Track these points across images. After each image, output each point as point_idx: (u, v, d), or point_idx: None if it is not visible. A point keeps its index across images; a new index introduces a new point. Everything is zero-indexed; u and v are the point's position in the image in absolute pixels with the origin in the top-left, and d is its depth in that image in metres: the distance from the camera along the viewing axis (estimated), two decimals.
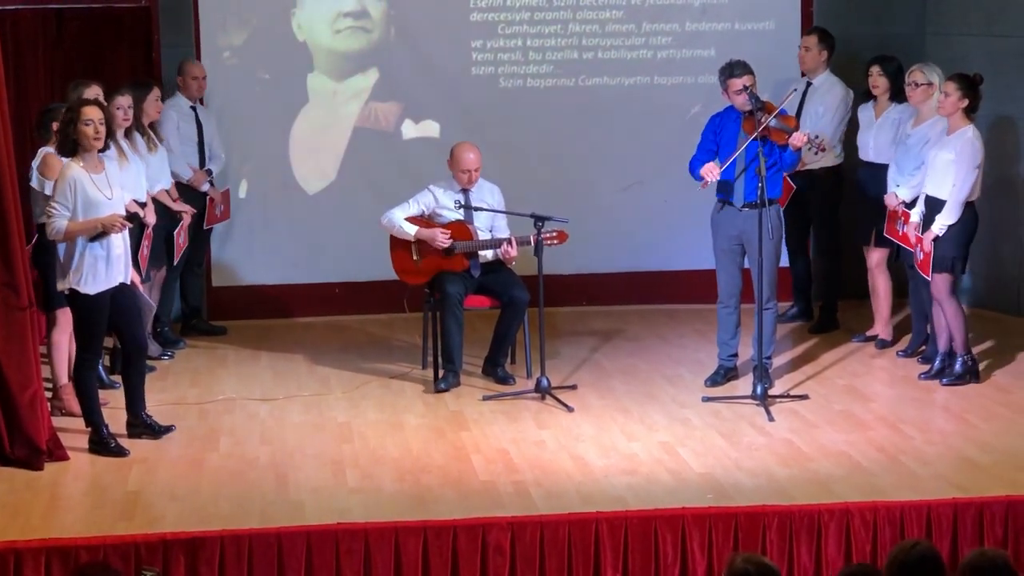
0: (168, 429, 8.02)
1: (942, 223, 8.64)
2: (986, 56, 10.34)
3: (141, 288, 8.19)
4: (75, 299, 7.71)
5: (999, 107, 10.28)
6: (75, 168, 7.64)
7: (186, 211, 9.70)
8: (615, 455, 7.75)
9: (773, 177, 8.61)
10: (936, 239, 8.66)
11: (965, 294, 9.44)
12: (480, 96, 10.73)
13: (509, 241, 8.92)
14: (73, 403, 8.29)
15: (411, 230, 9.02)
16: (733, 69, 8.68)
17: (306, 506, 7.05)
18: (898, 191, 9.17)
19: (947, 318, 8.79)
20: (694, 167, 8.74)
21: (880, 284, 9.74)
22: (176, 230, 9.56)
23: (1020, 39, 10.29)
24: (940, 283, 8.72)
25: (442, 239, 8.95)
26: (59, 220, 7.58)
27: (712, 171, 8.60)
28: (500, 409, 8.56)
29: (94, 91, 8.52)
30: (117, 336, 8.05)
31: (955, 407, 8.49)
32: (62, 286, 7.71)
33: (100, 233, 7.61)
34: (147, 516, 6.92)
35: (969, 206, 8.72)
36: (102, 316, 7.74)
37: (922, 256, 8.76)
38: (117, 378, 8.45)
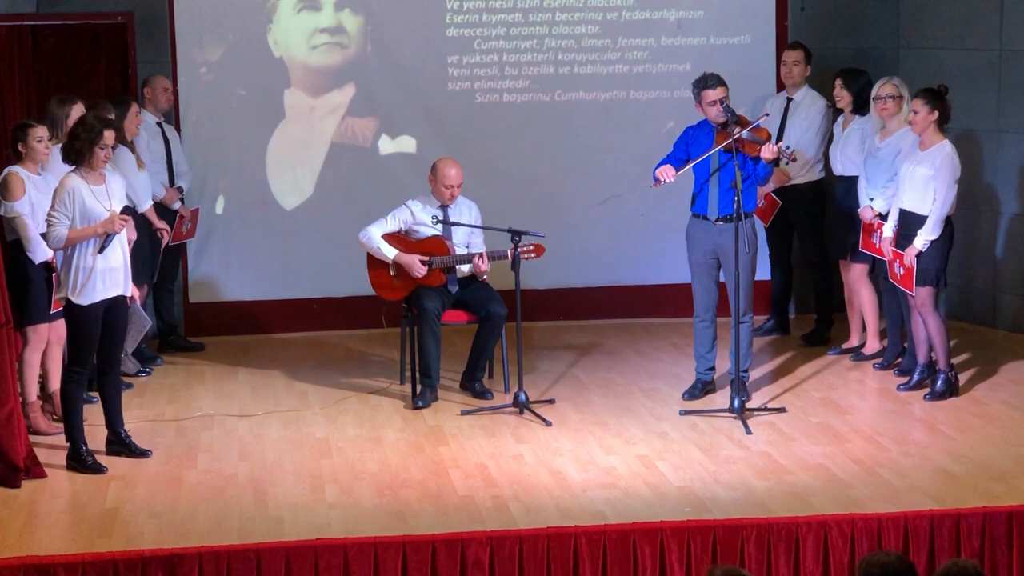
0: (144, 453, 8.00)
1: (925, 238, 8.67)
2: (959, 70, 10.41)
3: (139, 303, 8.19)
4: (70, 309, 7.73)
5: (972, 121, 10.36)
6: (74, 178, 7.69)
7: (164, 229, 9.70)
8: (593, 469, 7.76)
9: (747, 190, 8.64)
10: (918, 253, 8.69)
11: (940, 306, 9.47)
12: (456, 111, 10.74)
13: (480, 256, 8.92)
14: (40, 421, 8.29)
15: (390, 253, 9.01)
16: (707, 81, 8.71)
17: (285, 522, 7.04)
18: (873, 204, 9.21)
19: (930, 332, 8.81)
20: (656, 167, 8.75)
21: (864, 297, 9.74)
22: (160, 248, 9.57)
23: (990, 52, 10.37)
24: (924, 296, 8.75)
25: (419, 270, 8.95)
26: (59, 228, 7.62)
27: (667, 172, 8.60)
28: (478, 424, 8.57)
29: (80, 109, 8.52)
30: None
31: (931, 419, 8.53)
32: (59, 295, 7.76)
33: (105, 240, 7.63)
34: (125, 533, 6.91)
35: (947, 220, 8.76)
36: (94, 328, 7.75)
37: (903, 271, 8.79)
38: (94, 394, 8.43)
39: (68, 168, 7.79)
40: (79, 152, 7.68)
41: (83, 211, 7.65)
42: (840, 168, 9.76)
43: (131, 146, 9.35)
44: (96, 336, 7.79)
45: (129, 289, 7.91)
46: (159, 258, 9.61)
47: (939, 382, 8.86)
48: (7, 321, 7.60)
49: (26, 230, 8.11)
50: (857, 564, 5.15)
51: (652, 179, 8.70)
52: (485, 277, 9.07)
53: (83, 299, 7.69)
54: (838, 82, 9.70)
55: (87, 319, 7.72)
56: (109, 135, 7.73)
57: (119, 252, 7.78)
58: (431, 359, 8.92)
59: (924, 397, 8.85)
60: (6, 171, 8.25)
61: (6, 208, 8.12)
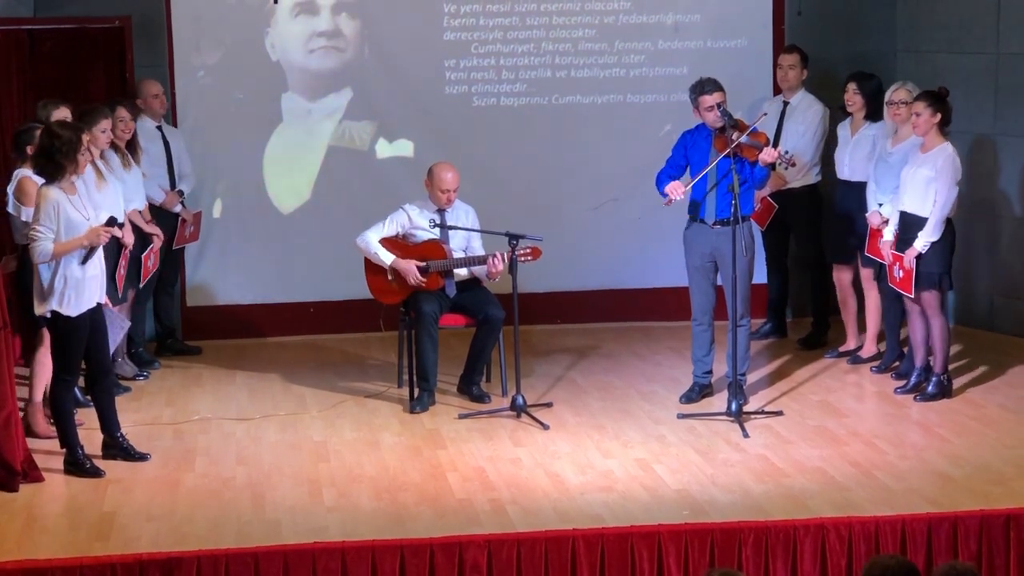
0: (143, 456, 7.99)
1: (926, 240, 8.67)
2: (957, 73, 10.41)
3: (111, 307, 8.14)
4: (56, 321, 7.67)
5: (971, 125, 10.36)
6: (55, 191, 7.58)
7: (157, 234, 9.58)
8: (591, 472, 7.77)
9: (745, 194, 8.64)
10: (920, 256, 8.69)
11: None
12: (454, 115, 10.75)
13: (494, 255, 8.88)
14: (40, 423, 8.25)
15: (387, 259, 9.00)
16: (704, 86, 8.71)
17: (283, 525, 7.04)
18: (882, 209, 9.18)
19: (933, 335, 8.81)
20: (660, 181, 8.75)
21: (871, 300, 9.70)
22: (145, 252, 9.37)
23: (988, 56, 10.37)
24: (929, 300, 8.75)
25: (415, 278, 8.93)
26: (44, 243, 7.52)
27: (677, 189, 8.60)
28: (476, 427, 8.57)
29: (63, 112, 8.49)
30: (84, 356, 8.01)
31: (928, 422, 8.54)
32: (41, 309, 7.64)
33: (89, 252, 7.59)
34: (123, 537, 6.90)
35: (948, 222, 8.77)
36: (82, 337, 7.72)
37: (902, 274, 8.79)
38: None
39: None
40: (60, 166, 7.54)
41: (67, 223, 7.55)
42: (847, 173, 9.69)
43: (120, 148, 9.24)
44: (83, 345, 7.74)
45: (103, 296, 7.88)
46: (142, 263, 9.41)
47: (932, 384, 8.88)
48: (4, 325, 7.59)
49: None
50: (862, 569, 5.15)
51: (661, 195, 8.69)
52: (498, 278, 9.00)
53: (72, 310, 7.64)
54: (851, 86, 9.62)
55: (78, 330, 7.67)
56: (87, 138, 7.69)
57: (98, 260, 7.73)
58: (429, 363, 8.92)
59: (915, 398, 8.87)
60: (18, 175, 8.17)
61: (27, 214, 8.00)
